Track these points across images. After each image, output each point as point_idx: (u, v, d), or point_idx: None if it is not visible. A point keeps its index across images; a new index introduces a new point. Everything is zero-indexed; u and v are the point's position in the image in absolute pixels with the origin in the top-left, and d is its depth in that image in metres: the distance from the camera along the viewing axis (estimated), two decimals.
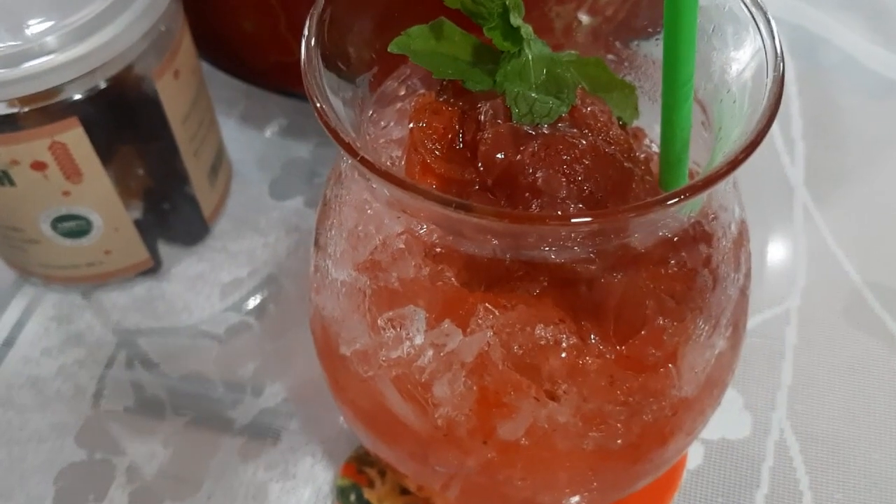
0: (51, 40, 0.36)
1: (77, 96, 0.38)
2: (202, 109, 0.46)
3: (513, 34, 0.26)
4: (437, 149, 0.27)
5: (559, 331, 0.26)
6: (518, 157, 0.25)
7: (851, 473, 0.40)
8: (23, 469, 0.42)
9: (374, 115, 0.30)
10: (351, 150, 0.23)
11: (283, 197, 0.53)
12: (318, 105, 0.24)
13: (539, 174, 0.25)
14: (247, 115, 0.57)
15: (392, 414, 0.29)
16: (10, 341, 0.47)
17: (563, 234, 0.24)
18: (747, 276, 0.30)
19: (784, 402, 0.43)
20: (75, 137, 0.39)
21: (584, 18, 0.37)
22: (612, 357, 0.26)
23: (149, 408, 0.44)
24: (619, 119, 0.29)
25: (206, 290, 0.48)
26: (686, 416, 0.29)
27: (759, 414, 0.42)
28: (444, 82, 0.28)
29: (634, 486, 0.32)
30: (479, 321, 0.26)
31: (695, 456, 0.41)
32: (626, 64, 0.32)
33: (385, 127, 0.30)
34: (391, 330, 0.27)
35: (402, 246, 0.27)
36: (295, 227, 0.51)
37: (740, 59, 0.26)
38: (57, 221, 0.43)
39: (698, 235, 0.27)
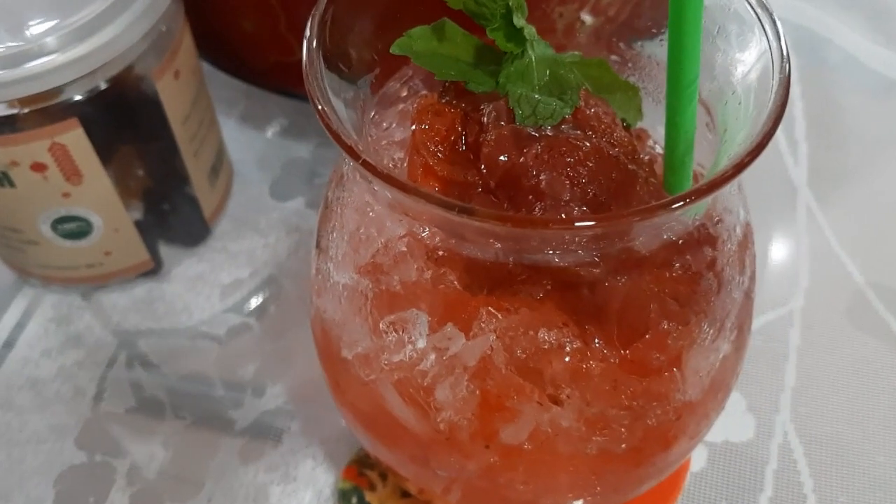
0: (51, 41, 0.36)
1: (77, 97, 0.38)
2: (202, 110, 0.46)
3: (516, 35, 0.26)
4: (439, 151, 0.26)
5: (562, 334, 0.26)
6: (521, 159, 0.25)
7: (856, 476, 0.40)
8: (22, 471, 0.42)
9: (376, 117, 0.30)
10: (353, 153, 0.23)
11: (283, 197, 0.52)
12: (320, 107, 0.24)
13: (542, 176, 0.25)
14: (247, 116, 0.57)
15: (393, 417, 0.29)
16: (9, 343, 0.46)
17: (567, 237, 0.24)
18: (752, 278, 0.30)
19: (788, 404, 0.43)
20: (75, 138, 0.39)
21: (587, 19, 0.36)
22: (616, 361, 0.26)
23: (149, 409, 0.43)
24: (622, 121, 0.28)
25: (207, 291, 0.48)
26: (690, 419, 0.29)
27: (763, 416, 0.42)
28: (447, 84, 0.28)
29: (637, 490, 0.32)
30: (482, 325, 0.26)
31: (698, 459, 0.41)
32: (629, 65, 0.31)
33: (387, 128, 0.30)
34: (393, 333, 0.27)
35: (405, 249, 0.27)
36: (295, 228, 0.51)
37: (746, 61, 0.26)
38: (57, 223, 0.42)
39: (703, 238, 0.27)
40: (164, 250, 0.48)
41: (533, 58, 0.27)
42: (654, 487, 0.34)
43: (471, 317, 0.26)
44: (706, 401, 0.29)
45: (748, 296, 0.29)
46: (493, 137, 0.26)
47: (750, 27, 0.26)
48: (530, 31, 0.26)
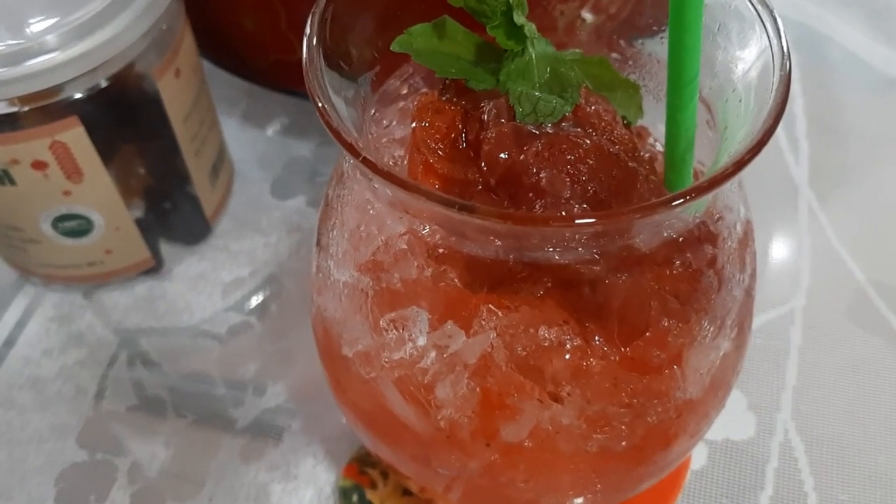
0: (51, 39, 0.36)
1: (78, 95, 0.38)
2: (203, 108, 0.46)
3: (516, 33, 0.26)
4: (439, 148, 0.26)
5: (563, 332, 0.26)
6: (521, 156, 0.25)
7: (856, 475, 0.40)
8: (24, 470, 0.42)
9: (377, 115, 0.30)
10: (353, 151, 0.23)
11: (284, 196, 0.52)
12: (320, 105, 0.24)
13: (543, 174, 0.25)
14: (248, 114, 0.57)
15: (394, 415, 0.29)
16: (10, 341, 0.46)
17: (567, 235, 0.24)
18: (752, 276, 0.30)
19: (788, 402, 0.43)
20: (76, 137, 0.39)
21: (588, 16, 0.36)
22: (617, 359, 0.26)
23: (150, 408, 0.44)
24: (623, 118, 0.28)
25: (208, 290, 0.48)
26: (690, 417, 0.29)
27: (764, 415, 0.42)
28: (447, 81, 0.28)
29: (638, 488, 0.32)
30: (483, 322, 0.26)
31: (699, 457, 0.41)
32: (630, 62, 0.31)
33: (387, 126, 0.30)
34: (393, 331, 0.27)
35: (405, 246, 0.27)
36: (297, 227, 0.51)
37: (746, 58, 0.26)
38: (57, 221, 0.42)
39: (703, 236, 0.27)
40: (166, 249, 0.48)
41: (533, 55, 0.27)
42: (654, 485, 0.34)
43: (471, 314, 0.26)
44: (707, 399, 0.29)
45: (749, 293, 0.29)
46: (493, 135, 0.25)
47: (751, 24, 0.26)
48: (531, 28, 0.26)
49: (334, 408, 0.40)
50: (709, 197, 0.24)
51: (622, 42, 0.32)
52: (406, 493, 0.39)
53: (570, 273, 0.25)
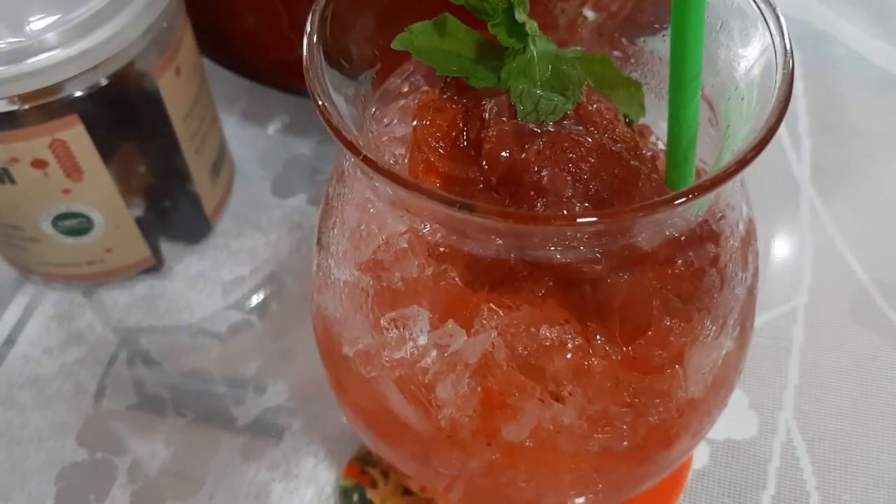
0: (51, 37, 0.36)
1: (78, 93, 0.38)
2: (204, 106, 0.46)
3: (518, 30, 0.26)
4: (440, 147, 0.26)
5: (564, 331, 0.26)
6: (523, 155, 0.25)
7: (859, 474, 0.40)
8: (24, 469, 0.41)
9: (377, 113, 0.29)
10: (353, 149, 0.23)
11: (285, 195, 0.52)
12: (321, 103, 0.24)
13: (544, 172, 0.24)
14: (248, 113, 0.57)
15: (395, 415, 0.29)
16: (10, 340, 0.46)
17: (569, 234, 0.24)
18: (755, 275, 0.29)
19: (791, 401, 0.43)
20: (76, 135, 0.39)
21: (589, 14, 0.36)
22: (618, 358, 0.26)
23: (150, 407, 0.43)
24: (625, 116, 0.28)
25: (208, 289, 0.48)
26: (692, 417, 0.29)
27: (766, 414, 0.42)
28: (448, 79, 0.28)
29: (639, 488, 0.32)
30: (483, 322, 0.26)
31: (700, 456, 0.41)
32: (632, 60, 0.31)
33: (388, 124, 0.29)
34: (394, 330, 0.27)
35: (406, 245, 0.27)
36: (297, 225, 0.51)
37: (749, 56, 0.26)
38: (58, 219, 0.42)
39: (705, 234, 0.27)
40: (166, 247, 0.48)
41: (535, 53, 0.27)
42: (656, 485, 0.33)
43: (472, 313, 0.26)
44: (709, 398, 0.29)
45: (751, 292, 0.29)
46: (494, 133, 0.25)
47: (753, 22, 0.26)
48: (532, 26, 0.26)
49: (335, 407, 0.40)
50: (711, 195, 0.24)
51: (624, 40, 0.32)
52: (407, 492, 0.39)
53: (572, 272, 0.25)
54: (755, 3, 0.26)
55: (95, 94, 0.39)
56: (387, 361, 0.28)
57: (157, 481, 0.41)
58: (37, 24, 0.36)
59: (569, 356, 0.26)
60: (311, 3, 0.26)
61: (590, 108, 0.27)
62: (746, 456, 0.41)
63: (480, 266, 0.26)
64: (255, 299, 0.48)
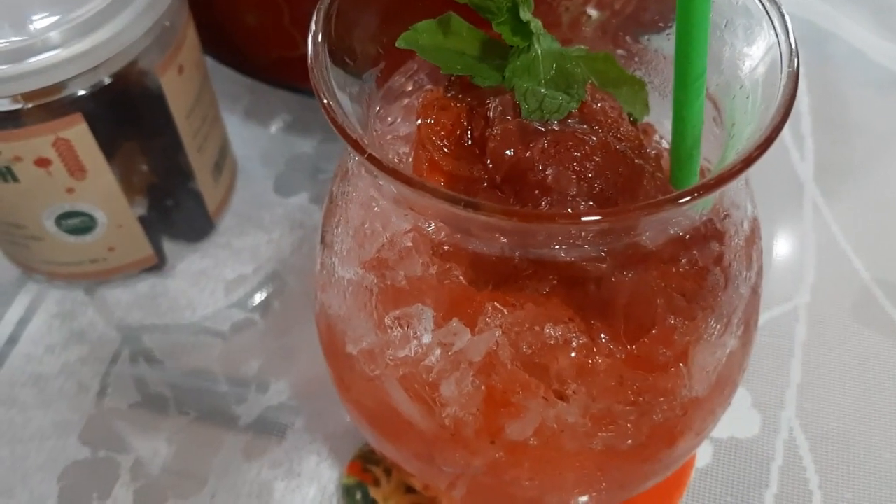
0: (54, 36, 0.36)
1: (81, 92, 0.38)
2: (206, 105, 0.46)
3: (522, 29, 0.26)
4: (445, 145, 0.26)
5: (568, 330, 0.26)
6: (527, 153, 0.25)
7: (861, 472, 0.40)
8: (26, 467, 0.41)
9: (381, 111, 0.29)
10: (358, 148, 0.23)
11: (287, 193, 0.52)
12: (326, 101, 0.24)
13: (549, 171, 0.24)
14: (251, 111, 0.57)
15: (398, 413, 0.29)
16: (13, 338, 0.46)
17: (573, 232, 0.24)
18: (759, 273, 0.29)
19: (793, 400, 0.43)
20: (79, 134, 0.39)
21: (593, 13, 0.36)
22: (622, 356, 0.26)
23: (153, 405, 0.43)
24: (629, 115, 0.28)
25: (211, 287, 0.48)
26: (696, 415, 0.29)
27: (768, 412, 0.42)
28: (452, 78, 0.28)
29: (643, 486, 0.32)
30: (488, 320, 0.26)
31: (703, 455, 0.41)
32: (636, 59, 0.31)
33: (392, 123, 0.29)
34: (398, 329, 0.27)
35: (410, 244, 0.27)
36: (299, 224, 0.51)
37: (753, 55, 0.26)
38: (61, 218, 0.42)
39: (710, 233, 0.27)
40: (168, 246, 0.48)
41: (539, 52, 0.27)
42: (659, 483, 0.33)
43: (476, 312, 0.26)
44: (712, 397, 0.29)
45: (755, 291, 0.29)
46: (499, 132, 0.25)
47: (758, 21, 0.26)
48: (537, 24, 0.26)
49: (338, 405, 0.40)
50: (716, 194, 0.24)
51: (628, 38, 0.32)
52: (409, 490, 0.39)
53: (576, 270, 0.25)
54: (760, 1, 0.26)
55: (98, 93, 0.39)
56: (391, 360, 0.28)
57: (159, 480, 0.41)
58: (40, 23, 0.36)
59: (573, 355, 0.26)
60: (313, 2, 0.26)
61: (594, 106, 0.27)
62: (749, 454, 0.41)
63: (484, 264, 0.26)
64: (258, 298, 0.48)
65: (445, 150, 0.26)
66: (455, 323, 0.26)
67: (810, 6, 0.62)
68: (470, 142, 0.26)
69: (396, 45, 0.26)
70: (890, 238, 0.49)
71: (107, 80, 0.39)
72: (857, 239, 0.49)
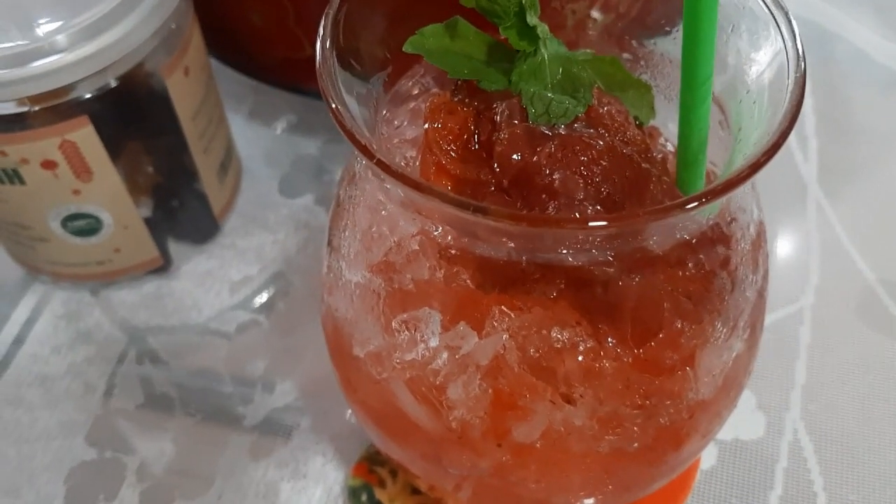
0: (61, 39, 0.36)
1: (87, 95, 0.38)
2: (211, 106, 0.46)
3: (529, 33, 0.26)
4: (452, 149, 0.26)
5: (575, 333, 0.26)
6: (534, 157, 0.25)
7: (866, 474, 0.40)
8: (32, 468, 0.42)
9: (388, 115, 0.30)
10: (367, 152, 0.23)
11: (292, 194, 0.52)
12: (334, 105, 0.24)
13: (556, 175, 0.25)
14: (256, 112, 0.57)
15: (405, 415, 0.29)
16: (19, 339, 0.46)
17: (581, 236, 0.24)
18: (765, 277, 0.30)
19: (798, 401, 0.43)
20: (85, 136, 0.39)
21: (598, 16, 0.36)
22: (629, 360, 0.26)
23: (159, 406, 0.44)
24: (635, 119, 0.28)
25: (216, 288, 0.48)
26: (702, 418, 0.29)
27: (773, 414, 0.42)
28: (459, 82, 0.28)
29: (649, 488, 0.32)
30: (495, 323, 0.26)
31: (708, 457, 0.41)
32: (641, 62, 0.31)
33: (399, 126, 0.29)
34: (405, 332, 0.27)
35: (417, 247, 0.27)
36: (304, 224, 0.51)
37: (760, 60, 0.26)
38: (67, 220, 0.42)
39: (716, 237, 0.27)
40: (174, 247, 0.48)
41: (546, 56, 0.27)
42: (664, 485, 0.33)
43: (483, 315, 0.26)
44: (719, 399, 0.29)
45: (761, 294, 0.29)
46: (506, 136, 0.25)
47: (765, 25, 0.26)
48: (543, 29, 0.26)
49: (343, 406, 0.41)
50: (723, 199, 0.24)
51: (633, 42, 0.32)
52: (415, 491, 0.39)
53: (583, 274, 0.25)
54: (766, 6, 0.26)
55: (105, 96, 0.39)
56: (398, 363, 0.28)
57: (165, 480, 0.41)
58: (46, 26, 0.36)
59: (580, 358, 0.26)
60: (318, 3, 0.26)
61: (601, 110, 0.27)
62: (754, 456, 0.41)
63: (492, 268, 0.26)
64: (263, 298, 0.48)
65: (452, 154, 0.26)
66: (462, 326, 0.26)
67: (814, 7, 0.62)
68: (477, 146, 0.27)
69: (403, 49, 0.26)
70: (894, 238, 0.49)
71: (113, 83, 0.39)
72: (861, 240, 0.49)
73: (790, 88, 0.24)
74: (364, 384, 0.30)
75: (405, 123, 0.29)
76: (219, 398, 0.44)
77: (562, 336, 0.26)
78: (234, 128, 0.51)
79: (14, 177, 0.40)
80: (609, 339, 0.26)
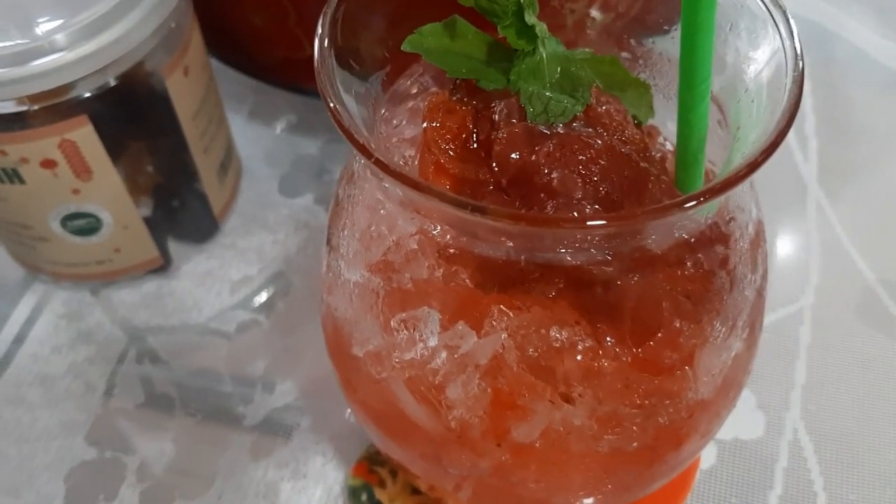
0: (60, 38, 0.36)
1: (87, 94, 0.38)
2: (211, 106, 0.46)
3: (527, 32, 0.26)
4: (450, 149, 0.26)
5: (574, 333, 0.26)
6: (533, 157, 0.25)
7: (866, 474, 0.40)
8: (33, 467, 0.42)
9: (386, 114, 0.30)
10: (365, 152, 0.23)
11: (292, 194, 0.52)
12: (332, 105, 0.24)
13: (554, 174, 0.24)
14: (256, 112, 0.57)
15: (404, 415, 0.29)
16: (19, 339, 0.46)
17: (579, 236, 0.24)
18: (764, 276, 0.29)
19: (798, 401, 0.43)
20: (85, 135, 0.39)
21: (597, 15, 0.36)
22: (628, 359, 0.26)
23: (159, 405, 0.44)
24: (633, 118, 0.28)
25: (216, 288, 0.48)
26: (702, 417, 0.29)
27: (773, 413, 0.42)
28: (458, 81, 0.28)
29: (649, 488, 0.32)
30: (494, 323, 0.26)
31: (708, 456, 0.41)
32: (640, 62, 0.31)
33: (397, 126, 0.29)
34: (404, 331, 0.27)
35: (416, 247, 0.27)
36: (304, 224, 0.51)
37: (758, 59, 0.26)
38: (67, 219, 0.42)
39: (715, 236, 0.27)
40: (174, 247, 0.48)
41: (544, 55, 0.27)
42: (664, 485, 0.33)
43: (482, 315, 0.26)
44: (718, 399, 0.29)
45: (760, 293, 0.29)
46: (504, 135, 0.25)
47: (763, 24, 0.26)
48: (542, 28, 0.26)
49: (343, 406, 0.41)
50: (721, 198, 0.24)
51: (632, 41, 0.32)
52: (415, 491, 0.39)
53: (582, 274, 0.25)
54: (765, 5, 0.26)
55: (104, 95, 0.39)
56: (397, 362, 0.28)
57: (165, 480, 0.41)
58: (46, 25, 0.36)
59: (579, 358, 0.26)
60: (318, 3, 0.26)
61: (599, 109, 0.27)
62: (754, 456, 0.41)
63: (491, 267, 0.26)
64: (263, 298, 0.48)
65: (451, 153, 0.26)
66: (461, 325, 0.26)
67: (814, 6, 0.62)
68: (475, 145, 0.27)
69: (402, 48, 0.26)
70: (894, 238, 0.49)
71: (113, 82, 0.39)
72: (861, 240, 0.49)
73: (788, 87, 0.24)
74: (364, 384, 0.30)
75: (404, 122, 0.29)
76: (219, 398, 0.44)
77: (561, 335, 0.26)
78: (234, 128, 0.51)
79: (14, 176, 0.40)
80: (608, 339, 0.26)
